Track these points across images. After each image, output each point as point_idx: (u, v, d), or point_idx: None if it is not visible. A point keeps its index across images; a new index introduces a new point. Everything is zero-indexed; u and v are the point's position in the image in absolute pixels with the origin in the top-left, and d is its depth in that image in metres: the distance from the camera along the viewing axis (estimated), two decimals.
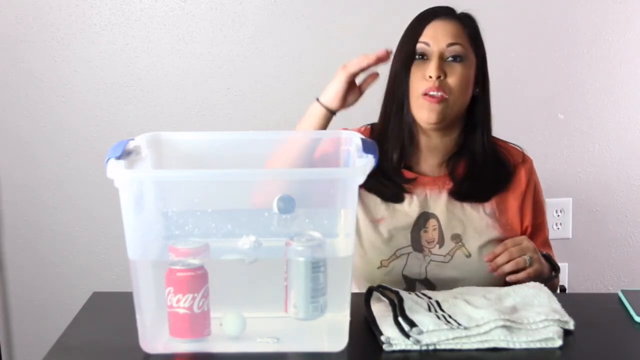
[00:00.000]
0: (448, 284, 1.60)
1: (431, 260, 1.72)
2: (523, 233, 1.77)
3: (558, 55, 2.55)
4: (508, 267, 1.59)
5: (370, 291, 1.49)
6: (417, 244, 1.73)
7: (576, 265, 2.67)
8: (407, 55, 1.71)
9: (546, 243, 1.83)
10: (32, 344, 2.63)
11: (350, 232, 1.34)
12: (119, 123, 2.53)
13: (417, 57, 1.70)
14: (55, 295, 2.61)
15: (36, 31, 2.48)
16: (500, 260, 1.60)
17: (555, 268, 1.73)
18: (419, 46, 1.70)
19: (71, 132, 2.54)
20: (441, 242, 1.72)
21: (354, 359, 1.34)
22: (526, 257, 1.61)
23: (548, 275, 1.68)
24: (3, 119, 2.53)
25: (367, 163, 1.29)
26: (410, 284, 1.71)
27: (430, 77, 1.67)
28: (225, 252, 1.38)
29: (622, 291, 1.55)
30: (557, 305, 1.42)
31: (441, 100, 1.67)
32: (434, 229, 1.73)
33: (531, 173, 1.82)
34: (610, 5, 2.52)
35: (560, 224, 2.64)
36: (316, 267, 1.33)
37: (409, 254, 1.72)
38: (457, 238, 1.72)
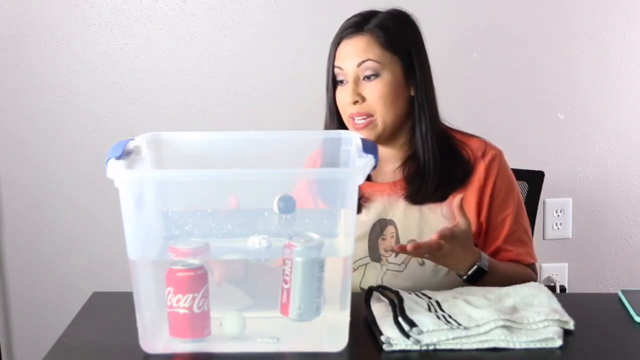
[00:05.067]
0: None
1: (387, 269, 1.70)
2: (479, 229, 1.71)
3: (558, 55, 2.55)
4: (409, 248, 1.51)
5: (370, 291, 1.49)
6: (374, 253, 1.71)
7: (576, 265, 2.67)
8: (328, 82, 1.72)
9: (515, 239, 1.74)
10: (32, 344, 2.64)
11: (350, 232, 1.34)
12: (119, 123, 2.53)
13: (338, 82, 1.70)
14: (55, 295, 2.61)
15: (36, 31, 2.48)
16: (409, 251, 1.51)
17: (473, 273, 1.60)
18: (335, 71, 1.70)
19: (71, 132, 2.54)
20: None
21: (354, 359, 1.34)
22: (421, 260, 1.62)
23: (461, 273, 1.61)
24: (3, 119, 2.54)
25: (367, 163, 1.29)
26: None
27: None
28: (226, 252, 1.38)
29: (622, 291, 1.54)
30: (557, 305, 1.42)
31: (367, 125, 1.67)
32: (392, 236, 1.71)
33: (491, 166, 1.73)
34: (610, 5, 2.52)
35: (560, 224, 2.64)
36: (320, 267, 1.33)
37: (366, 265, 1.70)
38: None
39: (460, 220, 1.56)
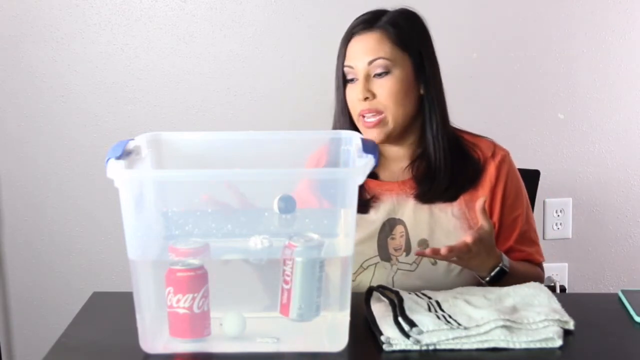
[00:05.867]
0: None
1: (398, 269, 1.70)
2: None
3: (558, 55, 2.55)
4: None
5: (370, 291, 1.49)
6: (384, 253, 1.71)
7: (576, 265, 2.67)
8: (338, 80, 1.73)
9: (526, 239, 1.76)
10: (32, 344, 2.64)
11: (350, 232, 1.34)
12: (119, 123, 2.53)
13: (348, 80, 1.70)
14: (55, 295, 2.61)
15: (36, 31, 2.48)
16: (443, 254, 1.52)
17: (494, 275, 1.62)
18: (345, 70, 1.70)
19: (71, 132, 2.54)
20: (408, 249, 1.69)
21: (354, 359, 1.34)
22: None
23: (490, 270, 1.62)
24: (3, 119, 2.54)
25: (367, 163, 1.29)
26: None
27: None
28: (226, 252, 1.38)
29: (622, 291, 1.54)
30: (557, 305, 1.42)
31: (378, 123, 1.67)
32: (402, 236, 1.70)
33: (501, 167, 1.74)
34: (610, 5, 2.52)
35: (560, 224, 2.64)
36: (320, 267, 1.33)
37: (376, 264, 1.70)
38: (423, 244, 1.69)
39: (483, 223, 1.56)
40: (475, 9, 2.52)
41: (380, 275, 1.70)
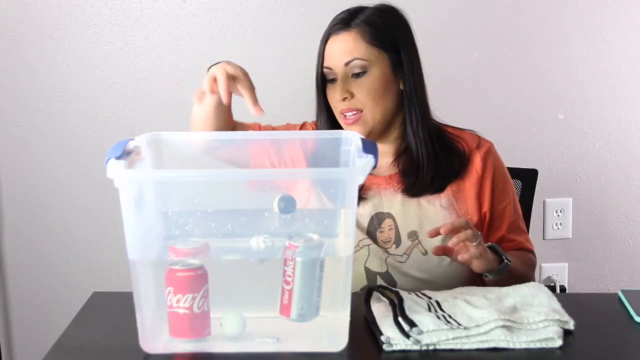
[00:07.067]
0: (408, 280, 1.58)
1: (390, 257, 1.72)
2: (482, 220, 1.74)
3: (558, 55, 2.55)
4: (470, 255, 1.55)
5: (370, 291, 1.49)
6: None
7: (576, 265, 2.67)
8: (318, 81, 1.75)
9: (515, 228, 1.78)
10: (32, 344, 2.64)
11: (350, 232, 1.34)
12: (119, 123, 2.53)
13: (328, 80, 1.73)
14: (55, 295, 2.61)
15: (36, 31, 2.48)
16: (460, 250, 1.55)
17: (503, 258, 1.63)
18: (325, 71, 1.73)
19: (71, 132, 2.54)
20: (398, 241, 1.71)
21: (354, 359, 1.34)
22: (474, 243, 1.56)
23: (496, 266, 1.61)
24: (3, 119, 2.54)
25: (367, 163, 1.29)
26: (372, 277, 1.70)
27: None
28: (226, 252, 1.38)
29: (622, 291, 1.54)
30: (557, 305, 1.42)
31: (357, 120, 1.69)
32: (390, 229, 1.72)
33: (487, 158, 1.76)
34: (610, 5, 2.53)
35: (560, 224, 2.64)
36: (321, 267, 1.33)
37: (369, 245, 1.71)
38: (413, 235, 1.71)
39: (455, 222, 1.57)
40: (476, 8, 2.53)
41: (374, 257, 1.71)
